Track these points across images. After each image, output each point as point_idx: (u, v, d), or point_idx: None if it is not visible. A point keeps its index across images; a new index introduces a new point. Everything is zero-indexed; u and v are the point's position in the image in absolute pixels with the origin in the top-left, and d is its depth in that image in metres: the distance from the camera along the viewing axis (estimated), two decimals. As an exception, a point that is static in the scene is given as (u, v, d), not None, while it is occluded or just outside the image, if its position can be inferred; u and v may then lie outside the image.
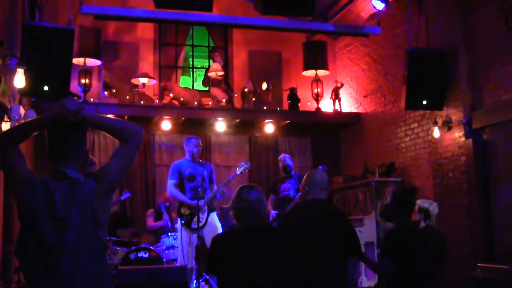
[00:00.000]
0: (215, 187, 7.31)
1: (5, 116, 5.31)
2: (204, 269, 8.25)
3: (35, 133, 2.63)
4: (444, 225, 6.72)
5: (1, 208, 5.14)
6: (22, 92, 5.70)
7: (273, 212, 7.92)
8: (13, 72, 5.10)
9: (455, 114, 7.44)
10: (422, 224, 5.69)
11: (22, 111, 5.52)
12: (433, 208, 5.72)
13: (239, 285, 3.52)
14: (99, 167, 2.63)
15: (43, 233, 2.42)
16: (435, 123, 7.64)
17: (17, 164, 2.54)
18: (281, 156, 8.38)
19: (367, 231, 8.25)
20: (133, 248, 7.65)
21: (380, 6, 7.69)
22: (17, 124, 5.31)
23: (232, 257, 3.54)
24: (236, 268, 3.53)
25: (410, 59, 7.54)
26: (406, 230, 4.57)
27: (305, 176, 4.33)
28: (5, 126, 5.39)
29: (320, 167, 7.58)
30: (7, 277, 5.69)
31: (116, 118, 2.79)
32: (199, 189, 7.09)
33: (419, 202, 5.81)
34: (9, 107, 5.38)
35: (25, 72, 5.07)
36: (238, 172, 7.45)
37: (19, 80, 4.83)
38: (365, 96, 9.93)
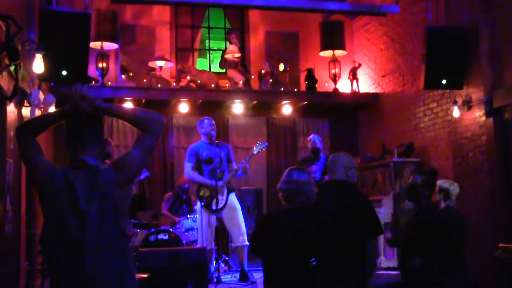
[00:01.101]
0: (235, 166, 7.31)
1: (25, 101, 5.33)
2: (223, 251, 8.34)
3: (54, 125, 2.65)
4: (465, 206, 6.67)
5: (24, 193, 5.20)
6: (41, 77, 5.73)
7: None
8: (32, 58, 5.11)
9: (476, 93, 7.33)
10: (442, 205, 5.66)
11: (41, 96, 5.54)
12: (454, 188, 5.67)
13: (288, 266, 3.52)
14: (120, 156, 2.65)
15: (66, 225, 2.44)
16: (455, 103, 7.55)
17: (35, 155, 2.56)
18: (311, 136, 8.27)
19: (385, 212, 8.21)
20: (153, 230, 7.71)
21: (398, -16, 7.57)
22: (36, 109, 5.36)
23: (279, 237, 3.55)
24: (285, 249, 3.53)
25: (429, 37, 7.42)
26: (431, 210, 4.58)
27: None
28: (25, 111, 5.42)
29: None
30: (32, 259, 5.78)
31: (136, 107, 2.80)
32: (217, 171, 7.12)
33: (439, 182, 5.77)
34: (28, 92, 5.40)
35: (44, 57, 5.09)
36: (255, 152, 7.44)
37: (38, 65, 4.85)
38: (383, 76, 9.84)
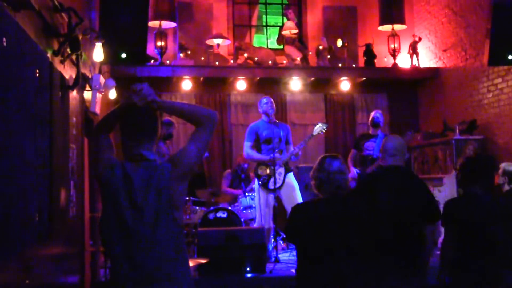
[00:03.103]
0: (291, 149, 7.32)
1: (87, 85, 5.46)
2: (281, 229, 8.38)
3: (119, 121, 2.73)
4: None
5: (87, 177, 5.36)
6: (101, 61, 5.83)
7: (354, 171, 7.77)
8: (93, 42, 5.21)
9: (544, 69, 7.03)
10: (506, 188, 5.51)
11: (102, 80, 5.66)
12: (519, 171, 5.50)
13: (318, 255, 3.53)
14: (177, 151, 2.71)
15: (123, 216, 2.52)
16: (521, 79, 7.27)
17: (102, 149, 2.67)
18: (374, 111, 8.16)
19: (446, 191, 8.06)
20: (211, 208, 7.81)
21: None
22: (97, 93, 5.48)
23: (312, 227, 3.54)
24: (316, 238, 3.54)
25: (495, 11, 7.10)
26: (469, 199, 4.29)
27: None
28: (87, 94, 5.56)
29: (410, 132, 7.46)
30: (95, 240, 5.99)
31: (190, 103, 2.90)
32: (276, 150, 7.13)
33: (503, 165, 5.61)
34: (90, 76, 5.52)
35: (103, 43, 5.17)
36: (314, 133, 7.43)
37: (98, 53, 4.93)
38: (444, 50, 9.56)
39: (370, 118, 7.99)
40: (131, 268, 2.51)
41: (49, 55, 3.75)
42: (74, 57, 4.43)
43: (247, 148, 7.29)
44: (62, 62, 4.16)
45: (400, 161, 4.14)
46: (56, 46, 3.98)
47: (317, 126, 7.47)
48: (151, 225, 2.52)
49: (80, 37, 4.28)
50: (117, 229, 2.53)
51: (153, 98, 2.60)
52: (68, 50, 4.23)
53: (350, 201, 3.72)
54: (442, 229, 7.76)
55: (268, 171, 7.17)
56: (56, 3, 3.71)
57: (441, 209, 4.24)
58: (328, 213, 3.54)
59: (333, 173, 3.57)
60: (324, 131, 7.53)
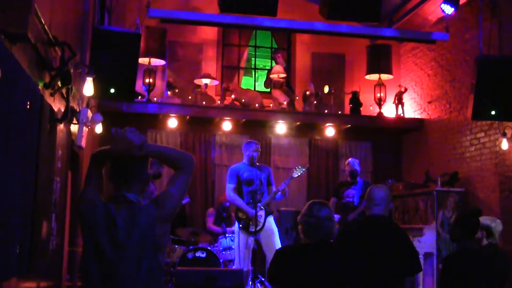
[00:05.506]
0: (274, 189, 7.32)
1: (74, 118, 5.44)
2: (259, 271, 8.32)
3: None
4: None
5: (68, 211, 5.31)
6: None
7: (336, 216, 7.79)
8: (83, 77, 5.23)
9: (526, 126, 7.16)
10: (485, 242, 5.51)
11: (89, 114, 5.66)
12: (496, 225, 5.49)
13: None
14: (159, 193, 2.72)
15: (104, 258, 2.50)
16: (504, 135, 7.38)
17: (90, 184, 2.67)
18: (350, 160, 8.21)
19: (426, 241, 8.08)
20: (191, 247, 7.76)
21: (450, 10, 7.43)
22: (84, 127, 5.47)
23: (296, 272, 3.52)
24: (299, 283, 3.51)
25: (480, 67, 7.26)
26: (469, 254, 4.38)
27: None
28: (73, 127, 5.54)
29: (390, 181, 7.52)
30: (72, 273, 5.89)
31: (169, 147, 2.91)
32: (258, 192, 7.14)
33: (481, 219, 5.62)
34: (77, 110, 5.52)
35: (94, 78, 5.19)
36: (294, 175, 7.45)
37: (88, 88, 4.94)
38: (429, 102, 9.71)
39: (348, 169, 8.05)
40: None
41: (40, 87, 3.76)
42: (64, 90, 4.44)
43: (230, 191, 7.29)
44: (52, 95, 4.17)
45: (385, 211, 4.19)
46: (47, 79, 3.99)
47: (297, 168, 7.50)
48: (134, 266, 2.50)
49: (72, 71, 4.30)
50: (98, 268, 2.51)
51: (146, 146, 2.62)
52: (59, 83, 4.24)
53: (338, 250, 3.72)
54: (420, 280, 7.79)
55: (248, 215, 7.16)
56: (51, 37, 3.73)
57: (421, 260, 4.28)
58: (315, 260, 3.53)
59: (322, 219, 3.57)
60: (304, 173, 7.57)
